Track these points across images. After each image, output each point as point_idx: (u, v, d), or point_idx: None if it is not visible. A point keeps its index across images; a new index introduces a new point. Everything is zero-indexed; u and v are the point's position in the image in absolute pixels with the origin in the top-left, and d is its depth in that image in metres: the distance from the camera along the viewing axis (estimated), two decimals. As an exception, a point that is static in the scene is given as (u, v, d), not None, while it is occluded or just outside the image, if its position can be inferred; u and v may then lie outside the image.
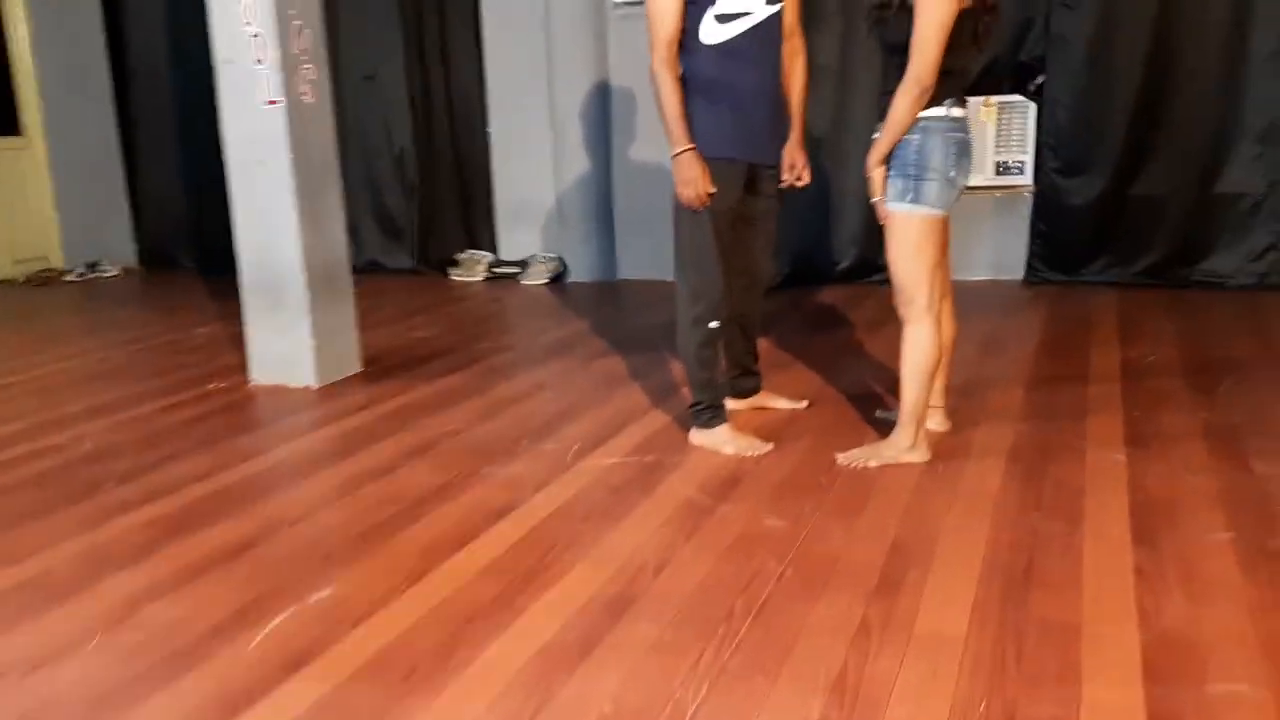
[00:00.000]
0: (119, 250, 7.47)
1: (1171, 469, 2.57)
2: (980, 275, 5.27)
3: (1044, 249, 5.20)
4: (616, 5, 5.69)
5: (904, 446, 2.69)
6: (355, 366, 4.07)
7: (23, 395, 4.02)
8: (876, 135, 2.62)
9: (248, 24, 3.57)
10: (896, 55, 2.53)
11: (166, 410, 3.69)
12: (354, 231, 6.63)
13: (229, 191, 3.83)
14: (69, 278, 7.16)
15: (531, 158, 6.16)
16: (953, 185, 2.58)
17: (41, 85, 7.39)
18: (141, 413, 3.67)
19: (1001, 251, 5.26)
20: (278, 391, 3.85)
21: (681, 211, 2.84)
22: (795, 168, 3.00)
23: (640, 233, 5.96)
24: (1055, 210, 5.13)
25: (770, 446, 2.87)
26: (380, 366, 4.12)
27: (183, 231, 7.28)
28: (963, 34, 2.47)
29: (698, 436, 2.95)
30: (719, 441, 2.90)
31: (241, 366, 4.06)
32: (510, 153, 6.27)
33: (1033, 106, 5.12)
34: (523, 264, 6.29)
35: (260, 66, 3.60)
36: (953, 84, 2.52)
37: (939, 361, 2.70)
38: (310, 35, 3.71)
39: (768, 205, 2.99)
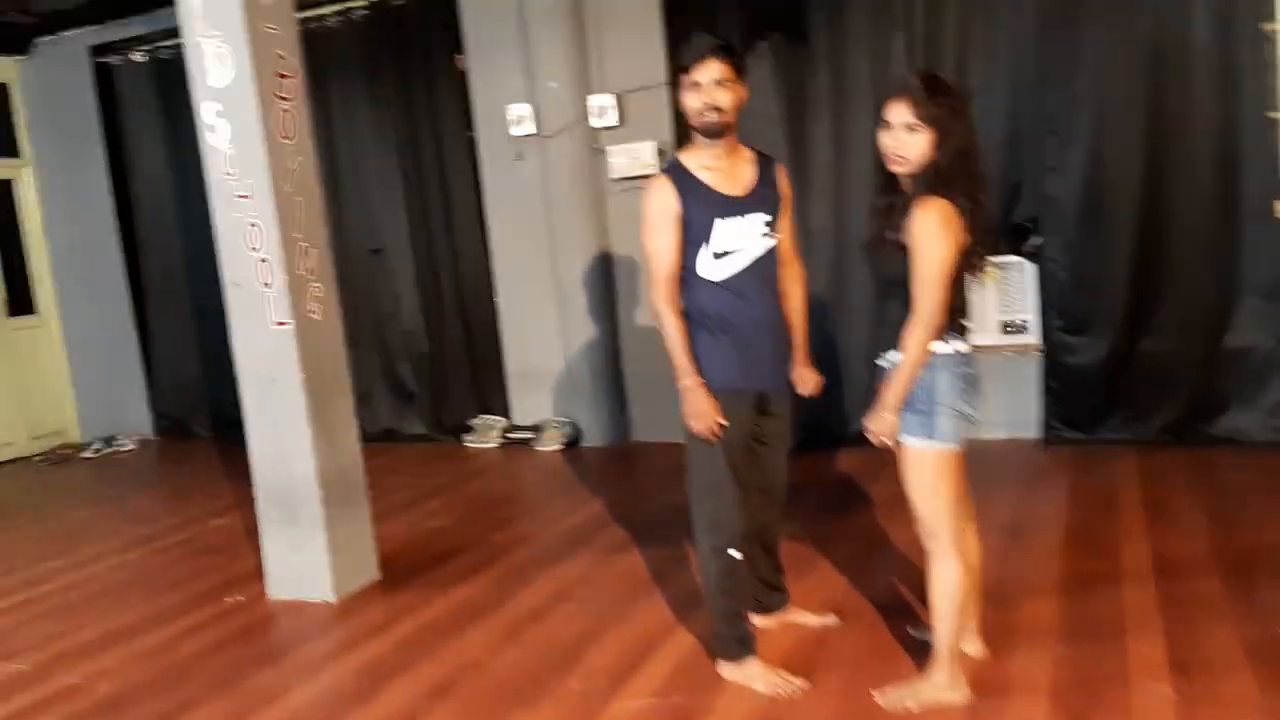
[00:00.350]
0: (135, 419, 7.52)
1: (1222, 710, 2.48)
2: (997, 434, 5.24)
3: (1058, 407, 5.18)
4: (615, 180, 5.83)
5: (942, 685, 2.62)
6: (372, 573, 4.02)
7: (37, 616, 3.98)
8: (882, 364, 2.63)
9: (254, 249, 3.65)
10: (892, 289, 2.57)
11: (184, 635, 3.64)
12: (366, 399, 6.68)
13: (242, 407, 3.85)
14: (86, 454, 7.18)
15: (539, 325, 6.22)
16: (964, 418, 2.57)
17: (53, 264, 7.58)
18: (159, 639, 3.62)
19: (1015, 410, 5.24)
20: (295, 608, 3.79)
21: (693, 442, 2.83)
22: (805, 385, 3.02)
23: (650, 395, 5.97)
24: (1065, 368, 5.13)
25: (803, 683, 2.79)
26: (397, 570, 4.07)
27: (197, 399, 7.33)
28: (962, 269, 2.51)
29: (726, 670, 2.88)
30: (749, 677, 2.83)
31: (258, 571, 4.01)
32: (518, 321, 6.34)
33: (1031, 266, 5.17)
34: (536, 429, 6.28)
35: (268, 290, 3.66)
36: (954, 315, 2.54)
37: (968, 593, 2.65)
38: (316, 255, 3.78)
39: (780, 423, 3.00)
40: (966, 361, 2.58)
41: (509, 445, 6.29)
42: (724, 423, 2.76)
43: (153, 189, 7.17)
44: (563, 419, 6.24)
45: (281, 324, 3.66)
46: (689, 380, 2.75)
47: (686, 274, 2.79)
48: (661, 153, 5.67)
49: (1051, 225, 5.04)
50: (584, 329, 6.05)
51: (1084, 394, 5.13)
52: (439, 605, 3.70)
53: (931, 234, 2.40)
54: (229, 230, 3.66)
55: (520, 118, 5.92)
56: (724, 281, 2.77)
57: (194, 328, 7.16)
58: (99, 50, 7.13)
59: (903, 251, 2.48)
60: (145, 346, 7.49)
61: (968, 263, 2.51)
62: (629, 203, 5.82)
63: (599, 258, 5.95)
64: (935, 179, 2.45)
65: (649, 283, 2.82)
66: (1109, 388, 5.08)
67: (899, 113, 2.48)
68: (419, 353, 6.63)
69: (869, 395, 5.17)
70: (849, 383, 5.43)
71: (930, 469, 2.56)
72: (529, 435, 6.27)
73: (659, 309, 2.78)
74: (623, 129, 5.76)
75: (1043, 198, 5.02)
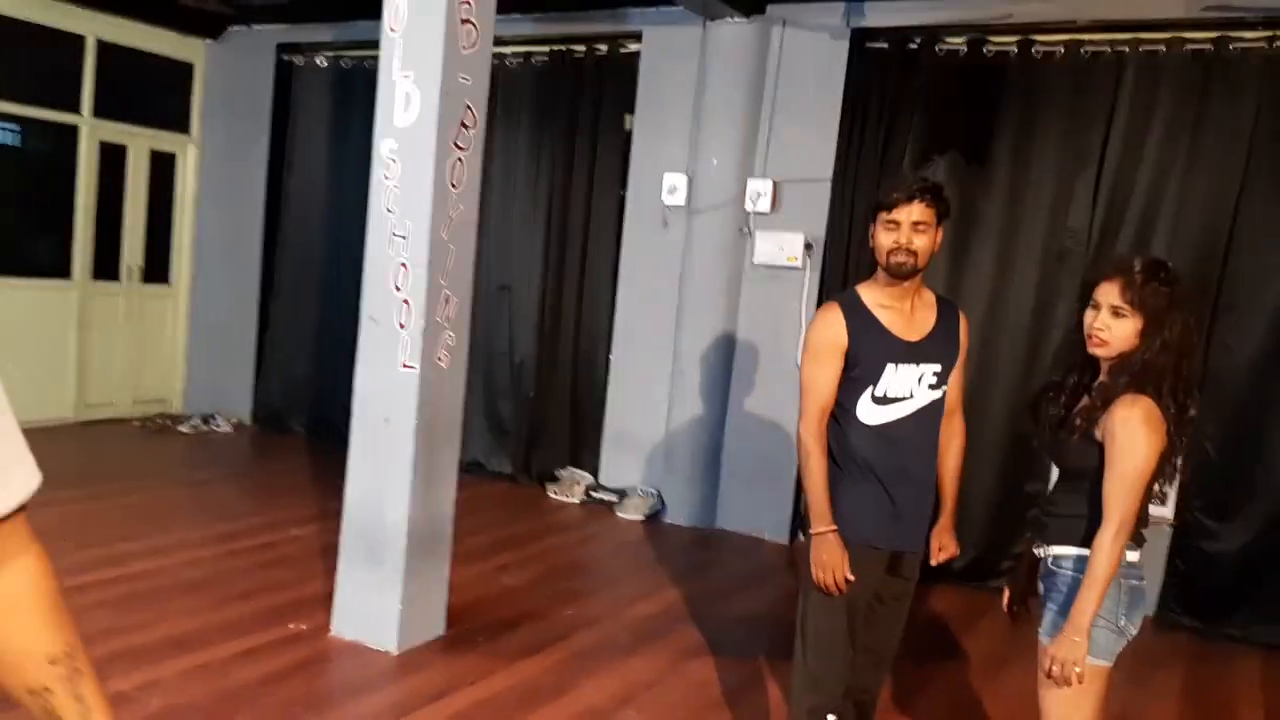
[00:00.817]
0: (236, 403, 7.65)
1: None
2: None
3: (1180, 590, 4.80)
4: (755, 265, 5.71)
5: None
6: (439, 628, 3.92)
7: (101, 605, 3.95)
8: (1041, 554, 2.41)
9: (399, 289, 3.61)
10: (1073, 480, 2.36)
11: (244, 657, 3.58)
12: (462, 428, 6.64)
13: (350, 438, 3.81)
14: (183, 428, 7.31)
15: (647, 391, 6.12)
16: (1122, 635, 2.33)
17: (196, 240, 7.81)
18: (218, 656, 3.56)
19: (1134, 585, 4.88)
20: (356, 652, 3.70)
21: (812, 592, 2.64)
22: (942, 552, 2.80)
23: (744, 485, 5.81)
24: (1196, 551, 4.77)
25: None
26: (463, 629, 3.96)
27: (298, 397, 7.42)
28: (1155, 476, 2.28)
29: (804, 841, 2.66)
30: None
31: (327, 599, 3.94)
32: (627, 382, 6.25)
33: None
34: (621, 494, 6.15)
35: (403, 331, 3.62)
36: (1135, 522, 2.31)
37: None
38: (456, 304, 3.74)
39: (906, 586, 2.78)
40: (1134, 573, 2.34)
41: (591, 504, 6.17)
42: (851, 578, 2.56)
43: (306, 190, 7.35)
44: (649, 489, 6.09)
45: (408, 367, 3.62)
46: (823, 526, 2.57)
47: (841, 413, 2.62)
48: (809, 246, 5.54)
49: (1210, 399, 4.67)
50: (691, 405, 5.92)
51: (1212, 582, 4.75)
52: (499, 681, 3.57)
53: (1135, 435, 2.18)
54: (378, 265, 3.64)
55: (674, 187, 5.86)
56: (880, 427, 2.60)
57: (311, 329, 7.28)
58: (285, 48, 7.37)
59: (1092, 443, 2.28)
60: (262, 336, 7.63)
61: (1160, 470, 2.28)
62: (764, 289, 5.70)
63: (722, 338, 5.82)
64: (1140, 373, 2.24)
65: (800, 414, 2.66)
66: (1242, 581, 4.70)
67: (1109, 293, 2.29)
68: (524, 394, 6.59)
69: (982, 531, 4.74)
70: (959, 518, 5.13)
71: (1077, 686, 2.31)
72: (612, 499, 6.15)
73: (806, 444, 2.62)
74: (774, 215, 5.64)
75: (1206, 371, 4.69)
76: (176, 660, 3.50)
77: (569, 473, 6.44)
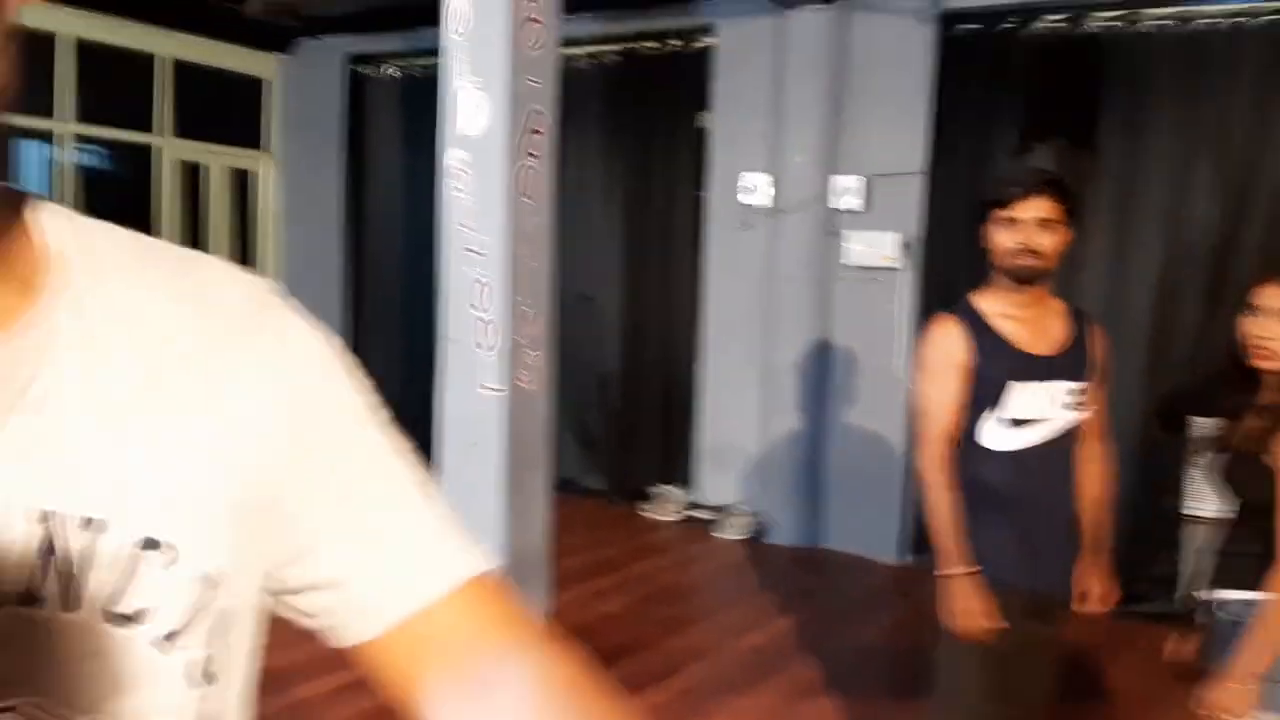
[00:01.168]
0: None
1: None
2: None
3: None
4: (846, 267, 5.39)
5: None
6: (538, 664, 3.72)
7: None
8: (1209, 599, 2.10)
9: (477, 308, 3.43)
10: (1243, 513, 2.07)
11: (334, 695, 3.42)
12: (563, 446, 6.48)
13: (438, 465, 3.64)
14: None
15: (739, 403, 5.83)
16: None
17: (279, 259, 7.79)
18: (312, 695, 3.40)
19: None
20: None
21: (950, 644, 2.34)
22: (1090, 598, 2.45)
23: (851, 501, 5.48)
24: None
25: None
26: (562, 664, 3.75)
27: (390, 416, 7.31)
28: None
29: None
30: None
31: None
32: (718, 394, 5.98)
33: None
34: (719, 511, 5.89)
35: (484, 352, 3.44)
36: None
37: None
38: (538, 322, 3.55)
39: (1051, 633, 2.46)
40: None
41: (687, 523, 5.92)
42: (996, 625, 2.26)
43: (385, 205, 7.24)
44: (749, 507, 5.81)
45: (490, 389, 3.43)
46: (956, 568, 2.28)
47: (964, 438, 2.32)
48: (906, 246, 5.20)
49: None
50: (788, 417, 5.62)
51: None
52: (604, 725, 3.34)
53: None
54: (455, 284, 3.47)
55: (756, 186, 5.58)
56: (1010, 454, 2.29)
57: (398, 349, 7.12)
58: (355, 59, 7.28)
59: (1263, 470, 1.97)
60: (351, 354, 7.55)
61: None
62: (859, 292, 5.38)
63: (817, 344, 5.51)
64: None
65: (918, 441, 2.37)
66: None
67: (1275, 297, 1.97)
68: (610, 407, 6.37)
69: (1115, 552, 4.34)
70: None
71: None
72: (710, 517, 5.89)
73: (927, 476, 2.33)
74: (866, 215, 5.31)
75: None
76: (269, 699, 3.35)
77: (663, 490, 6.21)
